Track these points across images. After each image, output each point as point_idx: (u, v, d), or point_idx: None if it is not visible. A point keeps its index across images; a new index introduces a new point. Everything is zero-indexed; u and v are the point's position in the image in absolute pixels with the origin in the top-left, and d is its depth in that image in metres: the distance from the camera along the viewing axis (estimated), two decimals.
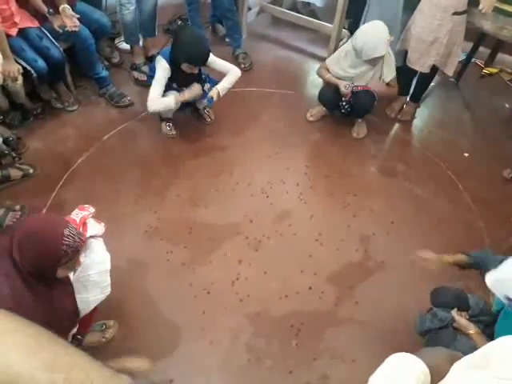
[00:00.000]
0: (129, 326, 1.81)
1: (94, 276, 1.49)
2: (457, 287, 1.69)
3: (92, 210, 1.57)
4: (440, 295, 1.67)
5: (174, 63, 2.29)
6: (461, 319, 1.48)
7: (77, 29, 2.42)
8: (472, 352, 1.37)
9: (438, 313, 1.56)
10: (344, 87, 2.49)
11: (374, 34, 2.33)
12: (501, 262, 1.43)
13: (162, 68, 2.31)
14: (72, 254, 1.24)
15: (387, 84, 2.53)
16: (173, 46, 2.28)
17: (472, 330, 1.43)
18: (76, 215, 1.53)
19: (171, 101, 2.33)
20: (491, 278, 1.26)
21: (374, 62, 2.43)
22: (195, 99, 2.51)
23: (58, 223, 1.26)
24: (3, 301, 1.18)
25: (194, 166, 2.50)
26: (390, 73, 2.51)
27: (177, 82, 2.39)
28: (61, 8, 2.37)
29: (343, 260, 2.13)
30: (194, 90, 2.36)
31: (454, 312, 1.52)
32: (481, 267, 1.57)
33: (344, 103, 2.62)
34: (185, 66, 2.27)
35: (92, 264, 1.50)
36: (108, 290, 1.55)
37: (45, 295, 1.27)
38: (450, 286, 1.70)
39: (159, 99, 2.32)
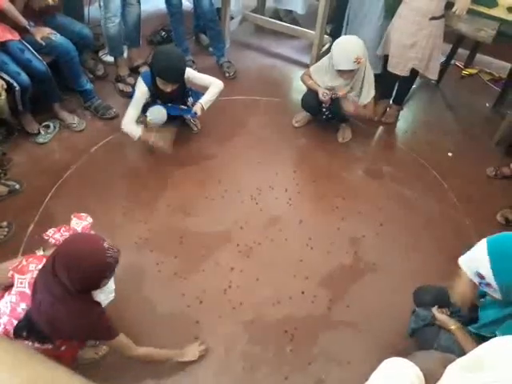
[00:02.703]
0: None
1: None
2: (439, 286, 1.71)
3: (90, 219, 1.58)
4: (421, 294, 1.70)
5: (154, 79, 2.29)
6: (440, 316, 1.51)
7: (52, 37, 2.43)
8: (456, 346, 1.39)
9: (419, 313, 1.59)
10: (322, 95, 2.51)
11: (343, 47, 2.35)
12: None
13: (140, 91, 2.33)
14: (115, 263, 1.32)
15: (364, 106, 2.55)
16: (151, 61, 2.29)
17: (453, 325, 1.45)
18: (76, 225, 1.54)
19: (137, 133, 2.34)
20: (463, 259, 1.29)
21: (344, 75, 2.42)
22: (181, 114, 2.53)
23: (96, 240, 1.32)
24: (62, 323, 1.29)
25: (183, 175, 2.51)
26: (367, 95, 2.52)
27: (160, 98, 2.38)
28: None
29: (334, 263, 2.14)
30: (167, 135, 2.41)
31: (434, 309, 1.54)
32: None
33: (324, 109, 2.65)
34: (159, 82, 2.27)
35: None
36: (112, 295, 1.60)
37: (94, 307, 1.39)
38: (430, 285, 1.72)
39: (129, 125, 2.34)
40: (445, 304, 1.57)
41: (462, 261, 1.28)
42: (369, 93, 2.52)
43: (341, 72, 2.40)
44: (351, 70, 2.37)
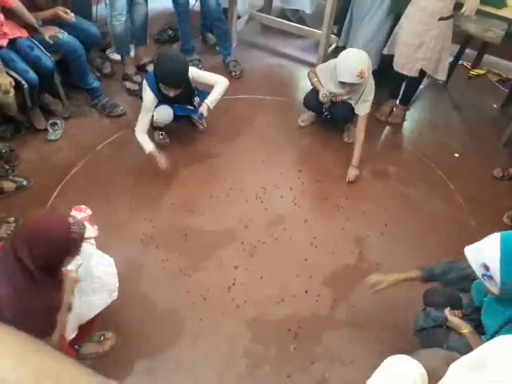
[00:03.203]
0: (125, 335, 1.80)
1: (102, 279, 1.51)
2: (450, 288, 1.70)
3: (89, 211, 1.59)
4: (432, 296, 1.67)
5: (158, 84, 2.30)
6: (454, 319, 1.48)
7: (60, 35, 2.45)
8: (465, 349, 1.39)
9: (431, 312, 1.57)
10: (321, 96, 2.52)
11: (348, 59, 2.34)
12: (463, 269, 1.48)
13: (148, 98, 2.33)
14: (80, 240, 1.28)
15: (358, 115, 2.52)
16: (154, 66, 2.31)
17: (465, 329, 1.43)
18: None
19: (148, 148, 2.34)
20: (470, 248, 1.28)
21: (347, 88, 2.41)
22: (188, 114, 2.53)
23: (61, 215, 1.31)
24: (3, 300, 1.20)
25: (188, 173, 2.52)
26: (362, 108, 2.49)
27: (167, 101, 2.39)
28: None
29: (338, 263, 2.14)
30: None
31: (446, 311, 1.52)
32: (437, 279, 1.58)
33: (324, 110, 2.65)
34: (162, 87, 2.28)
35: (100, 267, 1.52)
36: (115, 294, 1.59)
37: (49, 287, 1.30)
38: (441, 287, 1.70)
39: (142, 136, 2.34)
40: (457, 306, 1.56)
41: (469, 250, 1.28)
42: (365, 107, 2.49)
43: (343, 84, 2.39)
44: (353, 84, 2.37)
